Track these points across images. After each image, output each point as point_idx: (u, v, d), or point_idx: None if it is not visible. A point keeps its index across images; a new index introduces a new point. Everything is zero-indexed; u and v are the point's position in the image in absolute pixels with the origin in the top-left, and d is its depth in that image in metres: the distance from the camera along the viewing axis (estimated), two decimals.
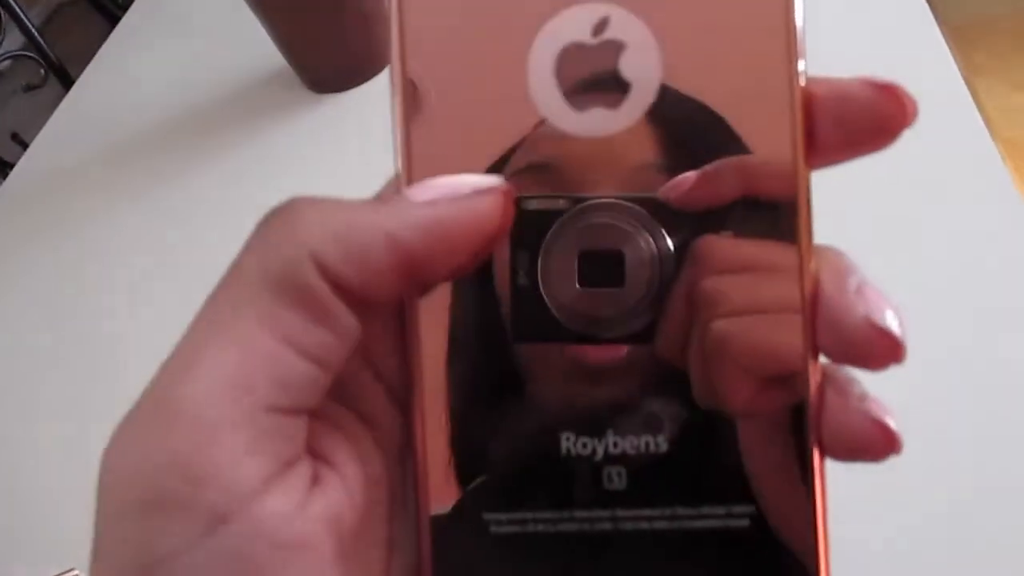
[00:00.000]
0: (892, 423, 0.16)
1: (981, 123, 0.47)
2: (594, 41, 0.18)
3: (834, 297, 0.17)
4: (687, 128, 0.18)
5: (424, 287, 0.18)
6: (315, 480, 0.17)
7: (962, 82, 0.49)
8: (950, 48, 0.50)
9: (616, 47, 0.18)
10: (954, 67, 0.50)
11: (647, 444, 0.18)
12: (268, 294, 0.16)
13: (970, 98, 0.48)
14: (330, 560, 0.16)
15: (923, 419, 0.38)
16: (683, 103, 0.18)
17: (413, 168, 0.18)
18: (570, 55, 0.18)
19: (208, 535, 0.15)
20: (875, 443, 0.16)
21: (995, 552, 0.34)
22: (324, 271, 0.16)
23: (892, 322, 0.16)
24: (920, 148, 0.47)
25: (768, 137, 0.18)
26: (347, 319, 0.17)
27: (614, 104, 0.18)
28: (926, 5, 0.54)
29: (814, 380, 0.17)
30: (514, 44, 0.18)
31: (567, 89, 0.18)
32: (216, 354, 0.16)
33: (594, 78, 0.18)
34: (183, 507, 0.15)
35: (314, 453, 0.17)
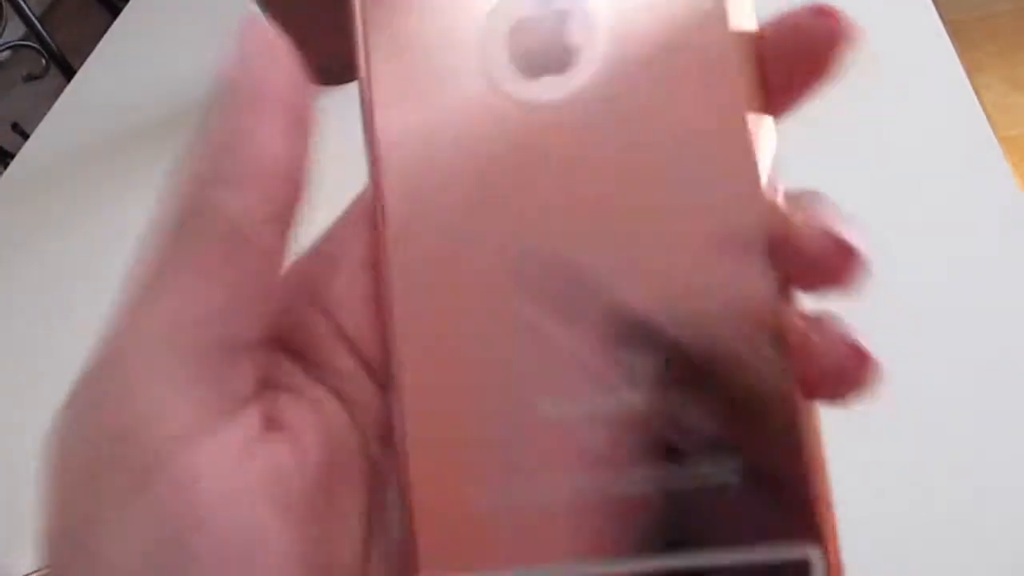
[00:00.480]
0: (864, 343, 0.16)
1: (984, 119, 0.47)
2: (542, 11, 0.19)
3: (793, 217, 0.17)
4: (639, 86, 0.18)
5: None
6: (259, 437, 0.16)
7: (965, 78, 0.49)
8: (954, 44, 0.50)
9: (562, 14, 0.19)
10: (957, 63, 0.50)
11: (629, 403, 0.17)
12: (183, 238, 0.16)
13: (973, 94, 0.48)
14: (270, 518, 0.16)
15: (923, 416, 0.38)
16: (633, 62, 0.18)
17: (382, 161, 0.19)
18: (520, 27, 0.19)
19: (137, 492, 0.15)
20: (851, 365, 0.16)
21: (994, 547, 0.34)
22: (230, 196, 0.16)
23: (848, 232, 0.16)
24: (920, 145, 0.47)
25: (722, 90, 0.18)
26: (269, 236, 0.17)
27: (564, 69, 0.19)
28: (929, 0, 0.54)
29: (788, 318, 0.17)
30: (466, 20, 0.19)
31: (518, 59, 0.19)
32: (140, 310, 0.16)
33: (543, 45, 0.19)
34: (109, 466, 0.15)
35: (271, 422, 0.17)
